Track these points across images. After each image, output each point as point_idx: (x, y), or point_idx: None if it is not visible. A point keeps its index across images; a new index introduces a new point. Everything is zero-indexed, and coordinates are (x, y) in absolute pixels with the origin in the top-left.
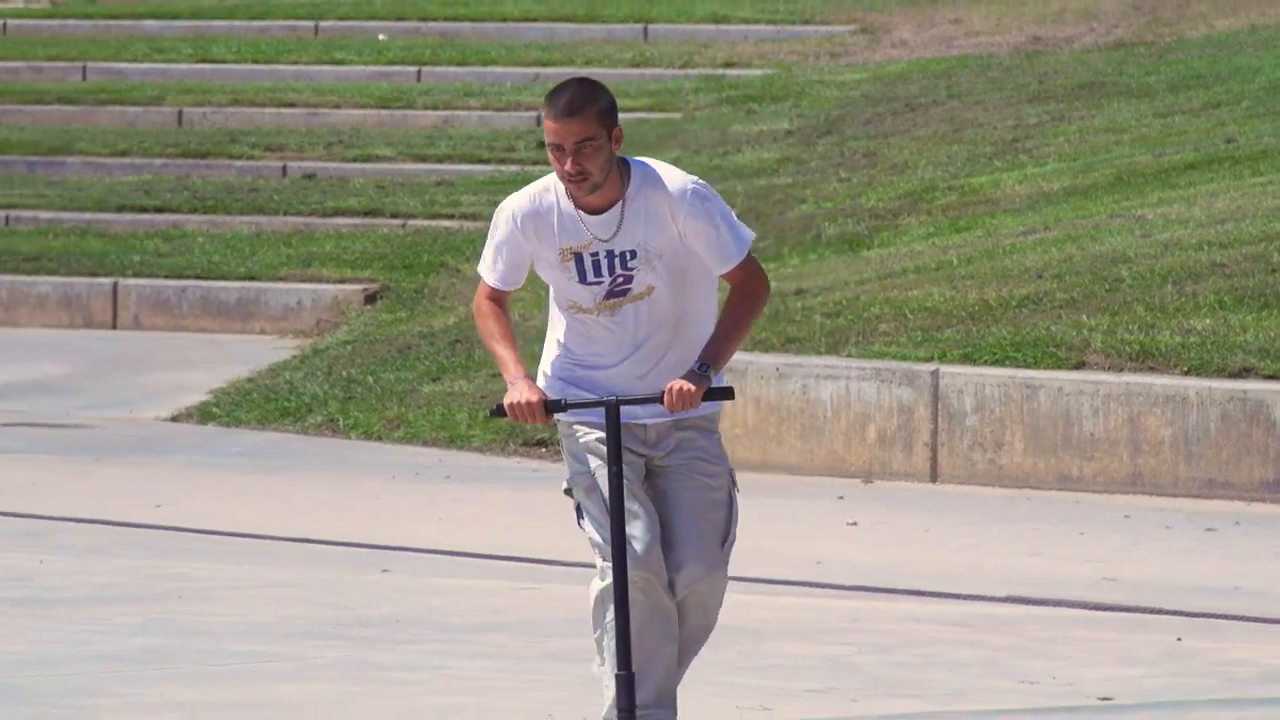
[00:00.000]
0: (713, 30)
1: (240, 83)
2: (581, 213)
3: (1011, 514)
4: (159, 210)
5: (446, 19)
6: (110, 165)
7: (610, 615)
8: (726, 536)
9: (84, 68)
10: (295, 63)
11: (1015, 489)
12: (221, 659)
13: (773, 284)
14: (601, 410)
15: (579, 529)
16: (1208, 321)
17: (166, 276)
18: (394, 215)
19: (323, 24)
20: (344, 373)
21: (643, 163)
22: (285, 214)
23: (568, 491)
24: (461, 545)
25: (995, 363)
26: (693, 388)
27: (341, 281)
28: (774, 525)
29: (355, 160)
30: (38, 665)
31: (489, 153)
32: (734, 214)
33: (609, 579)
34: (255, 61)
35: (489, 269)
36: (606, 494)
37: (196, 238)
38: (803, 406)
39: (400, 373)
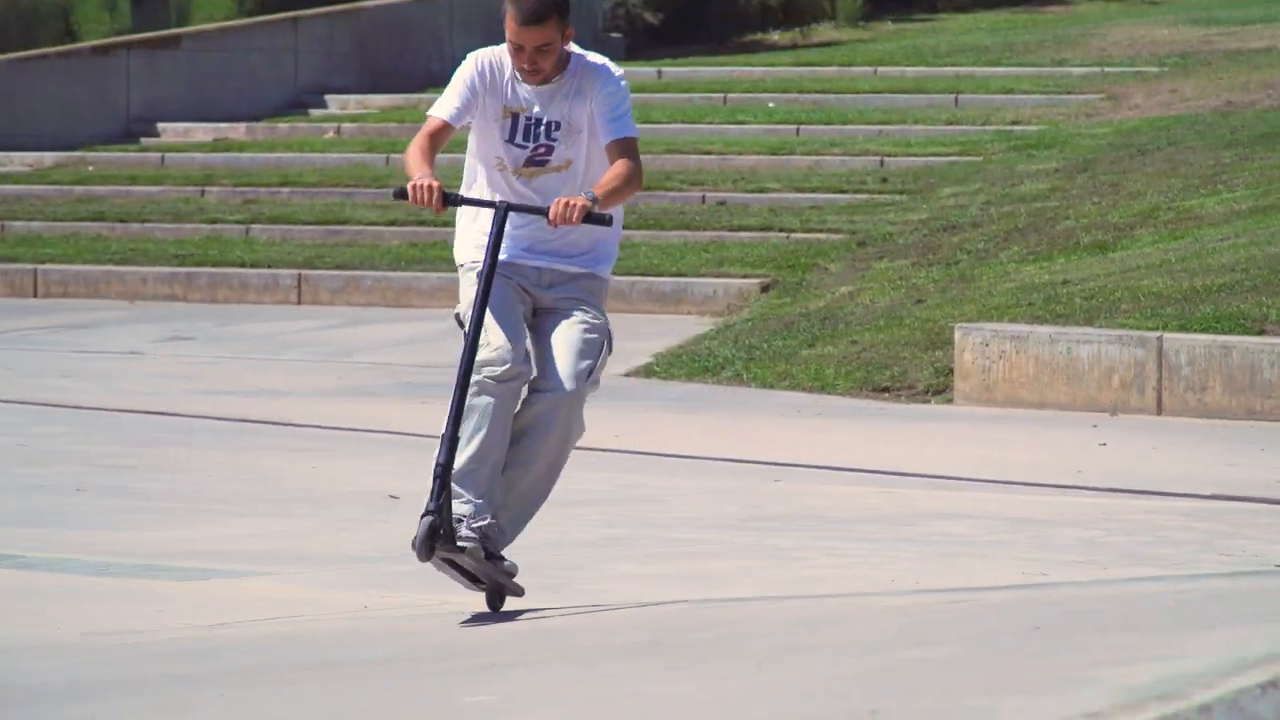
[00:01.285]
0: (1003, 99)
1: (671, 138)
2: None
3: (1213, 437)
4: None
5: (817, 92)
6: None
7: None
8: (591, 373)
9: None
10: (710, 123)
11: (1216, 419)
12: (666, 544)
13: (1045, 278)
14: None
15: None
16: None
17: (622, 274)
18: (781, 230)
19: (729, 96)
20: (746, 341)
21: (584, 54)
22: (704, 230)
23: (457, 317)
24: (831, 462)
25: (1202, 330)
26: (578, 204)
27: (744, 277)
28: (1048, 447)
29: (753, 191)
30: (534, 548)
31: (847, 185)
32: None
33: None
34: (682, 122)
35: (443, 105)
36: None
37: (641, 246)
38: (1068, 362)
39: (786, 340)
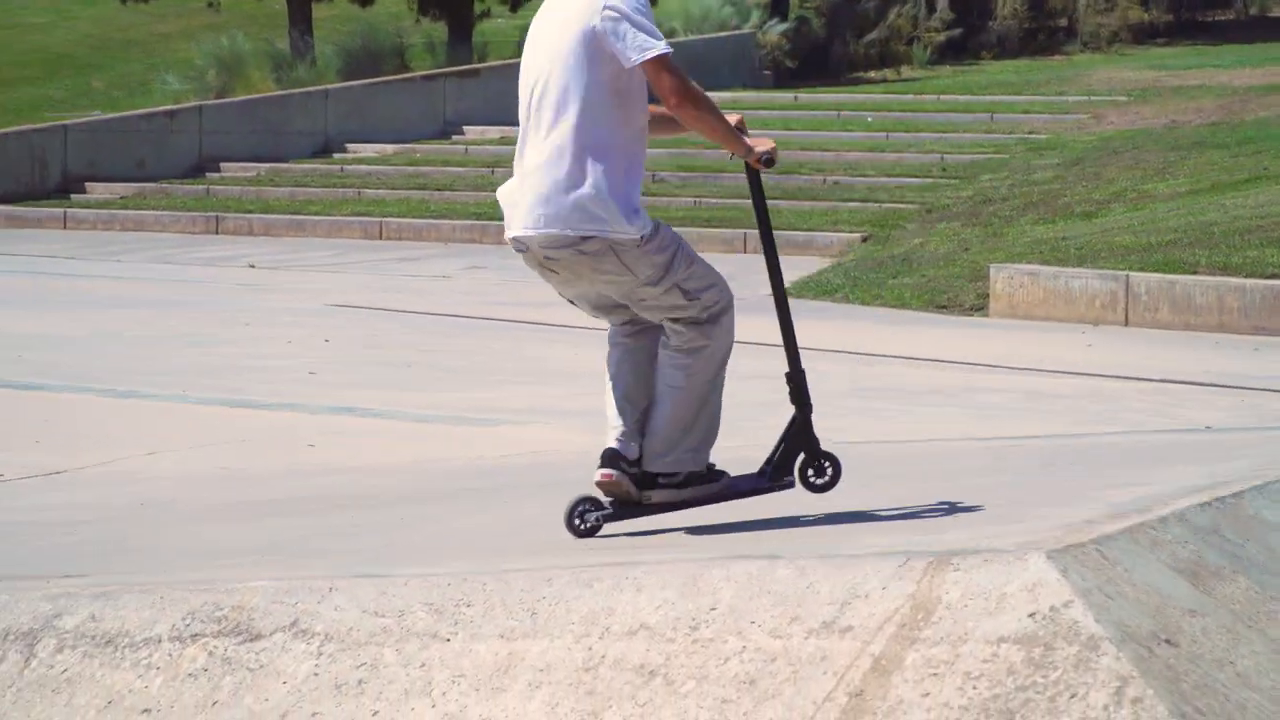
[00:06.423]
0: (1023, 117)
1: (803, 140)
2: None
3: (1161, 341)
4: None
5: (900, 111)
6: None
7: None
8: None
9: None
10: (828, 131)
11: (1163, 330)
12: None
13: (1050, 235)
14: None
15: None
16: (1251, 254)
17: (774, 229)
18: (875, 201)
19: (842, 113)
20: (852, 274)
21: None
22: (824, 200)
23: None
24: (907, 353)
25: (1155, 271)
26: None
27: (850, 232)
28: (1051, 346)
29: (857, 176)
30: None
31: (919, 173)
32: None
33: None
34: (810, 130)
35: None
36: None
37: (785, 211)
38: (1065, 291)
39: (878, 274)
